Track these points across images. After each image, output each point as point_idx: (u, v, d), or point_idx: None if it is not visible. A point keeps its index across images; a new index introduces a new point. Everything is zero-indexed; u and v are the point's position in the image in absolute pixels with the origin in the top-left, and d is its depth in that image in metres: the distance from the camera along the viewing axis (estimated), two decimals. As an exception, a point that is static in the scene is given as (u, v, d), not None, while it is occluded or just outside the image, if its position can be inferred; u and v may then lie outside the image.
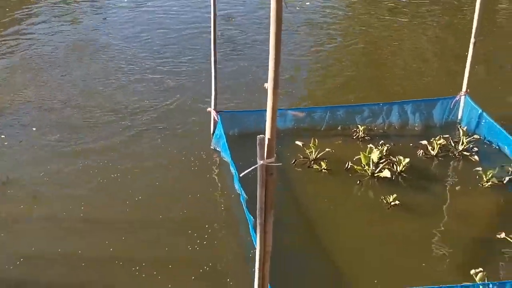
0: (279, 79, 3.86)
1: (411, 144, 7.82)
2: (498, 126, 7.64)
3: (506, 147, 7.52)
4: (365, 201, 6.90)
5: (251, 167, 3.99)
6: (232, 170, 6.91)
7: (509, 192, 6.86)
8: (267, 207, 4.32)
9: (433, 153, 7.58)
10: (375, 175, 7.15)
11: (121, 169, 7.34)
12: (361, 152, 7.30)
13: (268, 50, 3.60)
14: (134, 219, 6.51)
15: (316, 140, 7.46)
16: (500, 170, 7.17)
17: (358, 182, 7.09)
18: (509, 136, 7.42)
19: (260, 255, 4.52)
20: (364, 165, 7.23)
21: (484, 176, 6.96)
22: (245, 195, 6.32)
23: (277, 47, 3.74)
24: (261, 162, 4.13)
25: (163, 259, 5.91)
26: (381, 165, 7.20)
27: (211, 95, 7.81)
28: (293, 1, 13.81)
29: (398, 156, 7.33)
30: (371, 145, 7.53)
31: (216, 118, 7.85)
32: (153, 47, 11.21)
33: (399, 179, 7.15)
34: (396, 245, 6.14)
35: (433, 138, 7.70)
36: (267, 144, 4.11)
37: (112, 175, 7.22)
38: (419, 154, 7.62)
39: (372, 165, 7.18)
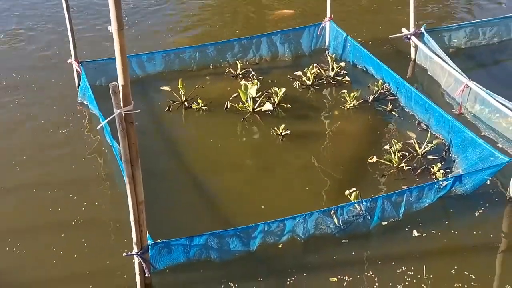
0: (122, 18, 3.59)
1: (288, 76, 7.84)
2: (362, 48, 7.83)
3: (371, 67, 7.76)
4: (255, 136, 6.89)
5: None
6: (102, 122, 6.55)
7: (375, 110, 7.13)
8: (132, 157, 4.12)
9: (309, 82, 7.65)
10: (256, 110, 7.12)
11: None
12: (238, 90, 7.20)
13: None
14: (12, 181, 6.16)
15: (183, 82, 7.25)
16: (367, 90, 7.43)
17: (242, 120, 7.03)
18: (373, 57, 7.64)
19: (133, 207, 4.35)
20: (244, 102, 7.16)
21: (348, 99, 7.16)
22: (118, 146, 6.02)
23: (114, -16, 3.44)
24: (118, 111, 3.89)
25: (46, 220, 5.63)
26: (259, 100, 7.16)
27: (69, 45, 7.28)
28: None
29: (274, 88, 7.32)
30: (244, 81, 7.43)
31: (78, 69, 7.35)
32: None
33: (280, 111, 7.17)
34: (283, 174, 6.21)
35: (306, 68, 7.75)
36: (122, 91, 3.87)
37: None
38: (296, 86, 7.66)
39: (251, 100, 7.13)
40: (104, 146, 6.58)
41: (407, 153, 6.21)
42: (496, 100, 6.53)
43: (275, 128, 6.74)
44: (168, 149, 6.67)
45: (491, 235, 5.32)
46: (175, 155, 6.55)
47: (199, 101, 7.22)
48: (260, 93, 7.25)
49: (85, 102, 7.28)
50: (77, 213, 5.67)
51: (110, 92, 3.81)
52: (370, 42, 8.56)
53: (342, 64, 7.91)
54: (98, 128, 6.54)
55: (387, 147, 6.35)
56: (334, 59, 7.92)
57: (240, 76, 7.85)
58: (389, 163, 6.14)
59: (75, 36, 7.22)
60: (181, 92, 7.27)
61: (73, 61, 7.36)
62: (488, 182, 5.75)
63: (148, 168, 5.90)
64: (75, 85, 7.57)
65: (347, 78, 7.72)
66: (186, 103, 7.29)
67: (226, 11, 10.09)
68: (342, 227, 5.27)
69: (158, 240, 4.75)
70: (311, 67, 7.77)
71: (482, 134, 6.54)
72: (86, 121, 7.07)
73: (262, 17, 9.86)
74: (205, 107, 7.20)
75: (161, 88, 7.46)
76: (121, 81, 3.80)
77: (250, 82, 7.37)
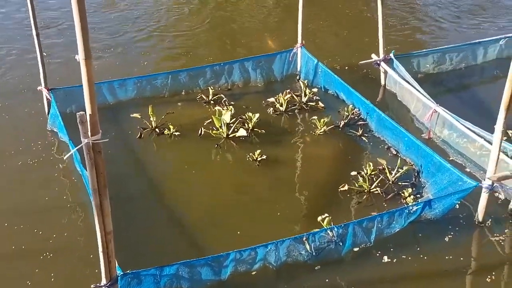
0: (89, 47, 3.57)
1: (263, 102, 7.87)
2: (333, 74, 7.94)
3: (342, 93, 7.86)
4: (230, 162, 6.88)
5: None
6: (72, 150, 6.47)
7: (346, 135, 7.20)
8: (100, 187, 4.07)
9: (282, 108, 7.70)
10: (230, 136, 7.12)
11: None
12: (212, 116, 7.21)
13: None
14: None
15: (154, 108, 7.23)
16: (338, 115, 7.51)
17: (216, 146, 7.01)
18: (343, 82, 7.74)
19: (101, 237, 4.28)
20: (217, 128, 7.15)
21: (318, 124, 7.22)
22: (87, 174, 5.94)
23: (82, 14, 3.44)
24: (86, 140, 3.85)
25: (12, 248, 5.50)
26: (233, 126, 7.17)
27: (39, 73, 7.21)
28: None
29: (248, 114, 7.34)
30: (218, 107, 7.45)
31: (48, 96, 7.28)
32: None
33: (254, 136, 7.18)
34: (258, 200, 6.22)
35: (279, 95, 7.79)
36: (89, 120, 3.83)
37: None
38: (269, 112, 7.69)
39: (225, 126, 7.13)
40: (74, 175, 6.48)
41: (378, 178, 6.26)
42: (464, 125, 6.66)
43: (251, 153, 6.75)
44: (140, 177, 6.62)
45: (461, 259, 5.37)
46: (147, 182, 6.50)
47: (170, 127, 7.19)
48: (234, 119, 7.27)
49: (54, 130, 7.19)
50: (45, 245, 5.55)
51: (78, 121, 3.78)
52: (340, 68, 8.67)
53: (315, 89, 7.99)
54: (66, 157, 6.46)
55: (354, 173, 6.40)
56: (306, 84, 8.00)
57: (212, 102, 7.86)
58: (360, 189, 6.18)
59: (45, 62, 7.17)
60: (152, 119, 7.24)
61: (43, 88, 7.29)
62: (457, 206, 5.83)
63: (119, 196, 5.88)
64: (45, 112, 7.48)
65: (320, 104, 7.79)
66: (157, 129, 7.26)
67: (201, 39, 10.11)
68: (314, 253, 5.26)
69: (128, 271, 4.67)
70: (284, 93, 7.83)
71: (451, 158, 6.65)
72: (56, 149, 6.98)
73: (235, 45, 9.91)
74: (177, 133, 7.18)
75: (131, 115, 7.41)
76: (88, 110, 3.78)
77: (224, 108, 7.38)
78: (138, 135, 7.19)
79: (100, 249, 4.30)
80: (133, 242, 5.57)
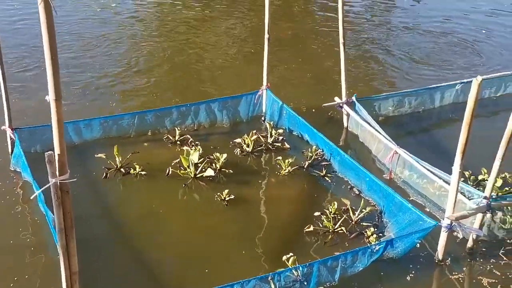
0: (60, 89, 3.64)
1: (231, 143, 7.97)
2: (297, 116, 8.14)
3: (306, 134, 8.05)
4: (198, 201, 6.90)
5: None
6: (35, 190, 6.40)
7: (310, 175, 7.35)
8: (67, 227, 4.06)
9: (249, 149, 7.82)
10: (198, 176, 7.17)
11: None
12: (180, 156, 7.27)
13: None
14: None
15: (119, 148, 7.26)
16: (302, 156, 7.68)
17: (183, 185, 7.04)
18: (307, 124, 7.94)
19: (66, 278, 4.24)
20: (185, 167, 7.21)
21: (283, 165, 7.36)
22: (51, 215, 5.89)
23: (53, 56, 3.51)
24: (53, 180, 3.87)
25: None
26: (200, 166, 7.23)
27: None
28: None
29: (215, 154, 7.43)
30: (186, 147, 7.54)
31: (12, 136, 7.22)
32: None
33: (221, 176, 7.26)
34: (225, 240, 6.26)
35: (245, 136, 7.92)
36: (58, 160, 3.86)
37: None
38: (236, 153, 7.80)
39: (193, 166, 7.19)
40: (37, 216, 6.39)
41: (341, 218, 6.38)
42: (423, 167, 6.89)
43: (219, 193, 6.81)
44: (105, 217, 6.57)
45: (423, 297, 5.51)
46: (113, 223, 6.46)
47: (136, 166, 7.21)
48: (202, 158, 7.34)
49: (18, 169, 7.12)
50: (6, 288, 5.44)
51: (46, 161, 3.80)
52: (306, 109, 8.90)
53: (280, 130, 8.17)
54: (32, 197, 6.37)
55: (317, 213, 6.52)
56: (272, 126, 8.17)
57: (179, 142, 7.93)
58: (324, 229, 6.29)
59: (10, 101, 7.14)
60: (118, 159, 7.25)
61: (6, 128, 7.24)
62: (418, 245, 5.99)
63: (83, 238, 5.79)
64: (8, 152, 7.40)
65: (286, 145, 7.96)
66: (122, 169, 7.26)
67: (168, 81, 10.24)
68: (279, 293, 5.31)
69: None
70: (250, 134, 7.97)
71: (411, 198, 6.85)
72: (19, 189, 6.89)
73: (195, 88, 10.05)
74: (144, 172, 7.20)
75: (95, 155, 7.40)
76: (57, 150, 3.81)
77: (192, 148, 7.46)
78: (104, 175, 7.17)
79: (65, 290, 4.26)
80: (98, 284, 5.49)
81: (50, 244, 5.84)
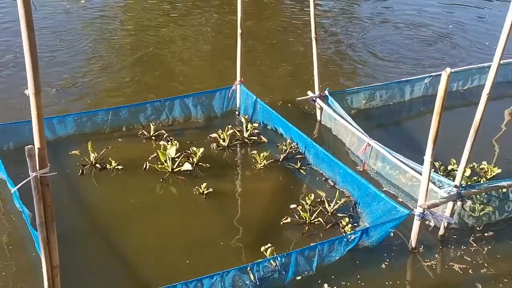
0: (39, 83, 3.64)
1: (208, 137, 8.00)
2: (271, 110, 8.22)
3: (280, 128, 8.15)
4: (176, 195, 6.93)
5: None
6: (11, 187, 6.35)
7: (285, 168, 7.45)
8: (47, 220, 4.07)
9: (225, 144, 7.87)
10: (175, 170, 7.19)
11: None
12: (157, 150, 7.28)
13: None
14: None
15: (94, 144, 7.24)
16: (277, 149, 7.78)
17: (161, 180, 7.06)
18: (281, 118, 8.03)
19: (47, 271, 4.25)
20: (163, 162, 7.22)
21: (258, 159, 7.45)
22: (28, 211, 5.87)
23: (32, 49, 3.52)
24: (34, 174, 3.87)
25: None
26: (177, 160, 7.26)
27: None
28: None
29: (192, 148, 7.46)
30: (163, 142, 7.56)
31: (-16, 134, 7.15)
32: None
33: (198, 170, 7.30)
34: (204, 231, 6.32)
35: (221, 131, 7.96)
36: (38, 154, 3.86)
37: None
38: (213, 148, 7.84)
39: (170, 161, 7.21)
40: (13, 213, 6.32)
41: (317, 210, 6.50)
42: (396, 158, 7.06)
43: (197, 187, 6.85)
44: (83, 213, 6.54)
45: (398, 282, 5.65)
46: (91, 218, 6.45)
47: (112, 161, 7.20)
48: (179, 153, 7.37)
49: (-9, 167, 7.03)
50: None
51: (26, 155, 3.80)
52: (281, 103, 8.99)
53: (255, 124, 8.24)
54: (13, 190, 6.28)
55: (293, 206, 6.62)
56: (247, 120, 8.23)
57: (154, 138, 7.94)
58: (301, 220, 6.40)
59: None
60: (92, 155, 7.23)
61: (-22, 125, 7.16)
62: (392, 234, 6.14)
63: (62, 233, 5.77)
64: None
65: (263, 138, 8.04)
66: (98, 164, 7.24)
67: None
68: (258, 283, 5.38)
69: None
70: (226, 128, 8.02)
71: (384, 189, 7.00)
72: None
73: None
74: (120, 167, 7.20)
75: (69, 153, 7.36)
76: (37, 144, 3.81)
77: (169, 143, 7.48)
78: (80, 172, 7.14)
79: (46, 284, 4.26)
80: (77, 278, 5.48)
81: (28, 242, 5.80)
